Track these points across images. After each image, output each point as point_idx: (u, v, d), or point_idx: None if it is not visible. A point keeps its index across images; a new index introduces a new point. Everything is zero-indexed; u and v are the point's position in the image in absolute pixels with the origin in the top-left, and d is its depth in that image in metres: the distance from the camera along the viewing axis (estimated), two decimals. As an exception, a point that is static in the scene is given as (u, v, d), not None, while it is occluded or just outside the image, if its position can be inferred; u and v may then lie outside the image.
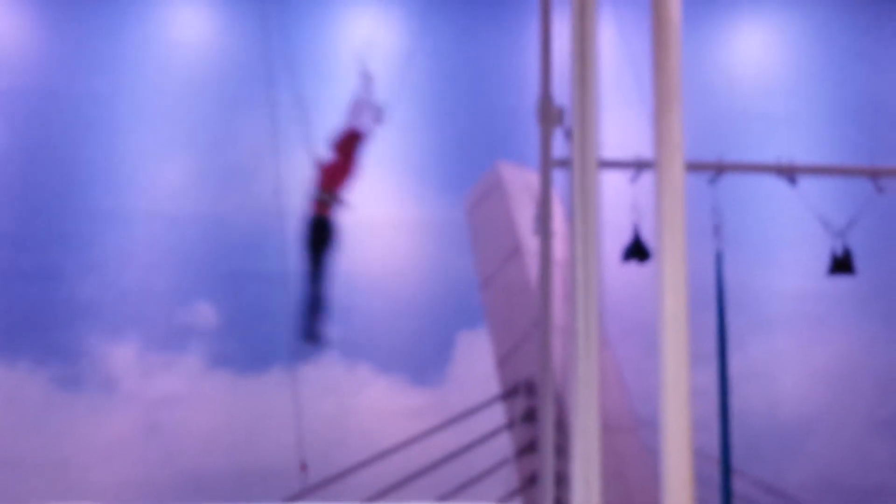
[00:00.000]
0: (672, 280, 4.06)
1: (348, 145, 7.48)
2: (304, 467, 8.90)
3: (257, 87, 10.57)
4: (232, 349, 10.18)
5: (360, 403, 10.22)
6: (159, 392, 10.07)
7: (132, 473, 9.84)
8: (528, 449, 9.52)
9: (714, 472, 7.83)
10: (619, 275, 8.32)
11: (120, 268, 10.23)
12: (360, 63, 7.67)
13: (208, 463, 9.91)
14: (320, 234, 7.36)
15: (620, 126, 7.60)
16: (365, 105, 7.67)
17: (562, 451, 5.46)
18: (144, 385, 10.07)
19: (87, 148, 10.42)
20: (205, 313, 10.22)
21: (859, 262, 8.39)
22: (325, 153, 7.99)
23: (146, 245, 10.30)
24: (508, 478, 9.57)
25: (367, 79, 7.66)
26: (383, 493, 9.97)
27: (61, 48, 10.65)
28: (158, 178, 10.45)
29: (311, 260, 7.32)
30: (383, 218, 10.57)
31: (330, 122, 10.63)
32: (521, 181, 10.60)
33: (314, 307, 7.17)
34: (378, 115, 7.80)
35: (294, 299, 10.25)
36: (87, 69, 10.58)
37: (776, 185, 8.23)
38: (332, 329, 10.21)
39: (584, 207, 4.36)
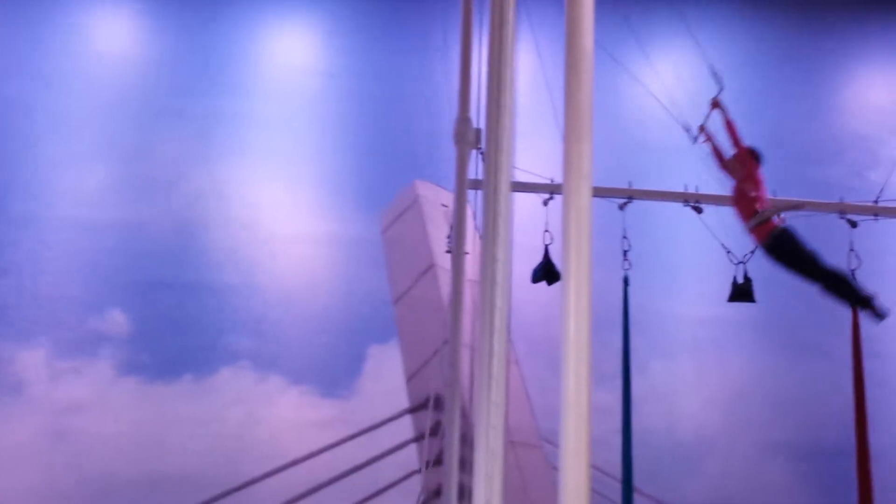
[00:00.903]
0: (576, 302, 4.19)
1: (737, 164, 7.36)
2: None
3: (178, 100, 10.62)
4: (143, 357, 10.15)
5: (269, 414, 10.24)
6: (67, 398, 10.00)
7: (37, 479, 9.74)
8: (434, 462, 9.64)
9: (612, 489, 8.02)
10: (530, 295, 8.50)
11: (33, 273, 10.15)
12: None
13: (114, 470, 9.85)
14: (791, 245, 7.14)
15: (538, 151, 7.78)
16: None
17: (467, 464, 5.60)
18: (52, 390, 9.99)
19: (4, 153, 10.34)
20: (117, 320, 10.18)
21: (759, 290, 8.60)
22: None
23: (61, 251, 10.24)
24: (414, 490, 9.67)
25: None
26: (290, 502, 10.01)
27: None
28: (76, 186, 10.41)
29: (807, 267, 7.08)
30: (299, 232, 10.64)
31: (251, 137, 10.75)
32: (437, 200, 10.74)
33: (844, 283, 6.99)
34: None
35: (207, 309, 10.31)
36: (7, 75, 10.52)
37: (683, 213, 8.47)
38: (245, 340, 10.27)
39: (495, 228, 4.50)
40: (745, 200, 7.27)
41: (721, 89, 7.40)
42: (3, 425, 9.85)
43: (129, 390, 10.08)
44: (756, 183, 7.33)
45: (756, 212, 7.20)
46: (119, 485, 9.79)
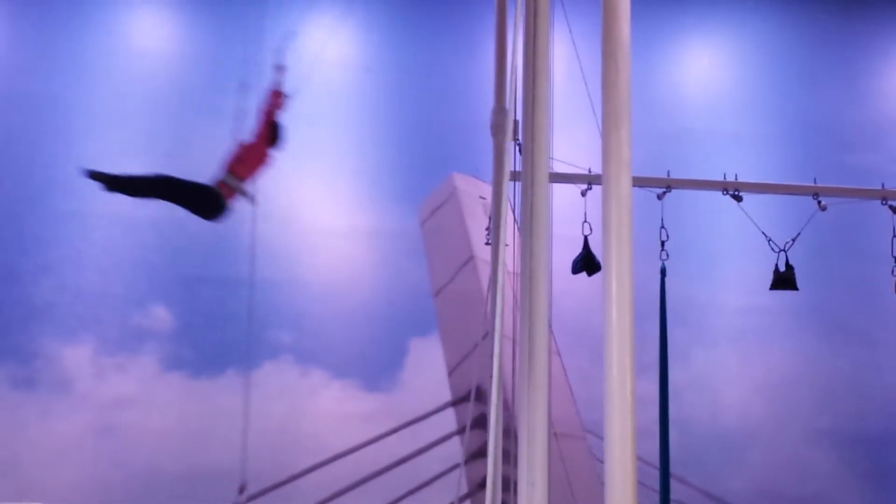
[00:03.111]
0: (618, 293, 4.21)
1: (265, 133, 7.53)
2: (242, 489, 8.93)
3: (216, 96, 10.64)
4: (186, 352, 10.22)
5: (313, 408, 10.29)
6: (113, 394, 10.09)
7: (84, 474, 9.85)
8: (478, 455, 9.65)
9: (656, 479, 7.99)
10: (570, 286, 8.49)
11: (76, 270, 10.23)
12: (277, 57, 7.75)
13: (160, 465, 9.93)
14: (211, 205, 7.39)
15: (575, 141, 7.76)
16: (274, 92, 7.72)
17: (511, 457, 5.61)
18: (98, 386, 10.08)
19: (46, 150, 10.40)
20: (160, 316, 10.25)
21: (801, 278, 8.53)
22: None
23: (103, 248, 10.32)
24: (458, 483, 9.68)
25: (280, 70, 7.73)
26: (333, 496, 10.05)
27: (20, 52, 10.63)
28: (117, 183, 10.48)
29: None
30: (338, 226, 10.67)
31: (289, 132, 10.75)
32: (475, 193, 10.74)
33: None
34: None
35: (249, 304, 10.35)
36: (48, 73, 10.55)
37: (722, 201, 8.40)
38: (286, 335, 10.32)
39: (533, 220, 4.50)
40: (250, 160, 7.41)
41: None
42: (51, 422, 9.96)
43: (174, 385, 10.16)
44: (266, 153, 7.52)
45: (242, 177, 7.37)
46: (164, 479, 9.88)
